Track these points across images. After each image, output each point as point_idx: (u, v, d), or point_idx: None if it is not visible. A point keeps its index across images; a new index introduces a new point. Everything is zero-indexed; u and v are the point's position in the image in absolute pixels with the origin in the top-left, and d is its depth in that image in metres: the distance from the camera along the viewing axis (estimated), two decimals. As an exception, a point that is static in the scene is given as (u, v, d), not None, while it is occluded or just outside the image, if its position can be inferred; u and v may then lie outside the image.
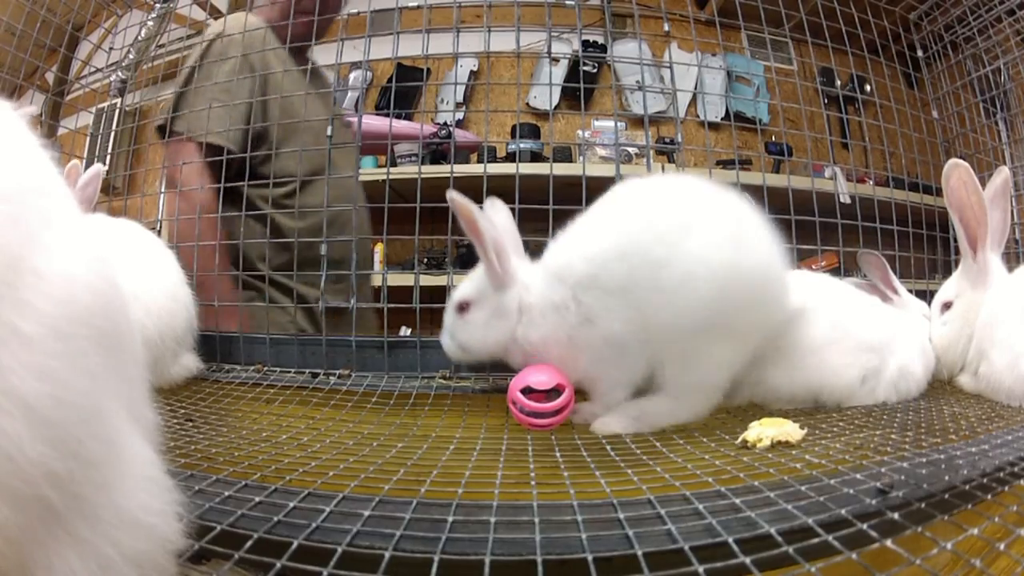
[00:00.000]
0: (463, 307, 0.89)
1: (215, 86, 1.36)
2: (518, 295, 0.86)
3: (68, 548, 0.33)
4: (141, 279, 0.99)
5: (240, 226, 1.32)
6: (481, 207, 0.90)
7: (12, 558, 0.32)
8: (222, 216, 1.35)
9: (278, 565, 0.43)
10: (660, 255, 0.78)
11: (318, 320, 1.33)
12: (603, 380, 0.84)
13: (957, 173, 1.01)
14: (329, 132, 1.28)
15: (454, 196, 0.83)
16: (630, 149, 2.44)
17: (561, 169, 0.97)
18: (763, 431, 0.71)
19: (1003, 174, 1.03)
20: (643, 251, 0.78)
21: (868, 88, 1.98)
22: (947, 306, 1.07)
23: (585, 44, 2.56)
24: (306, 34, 1.40)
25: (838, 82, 2.25)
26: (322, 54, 1.46)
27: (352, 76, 2.40)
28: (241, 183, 1.33)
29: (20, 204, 0.35)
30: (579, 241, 0.85)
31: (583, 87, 1.50)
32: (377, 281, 1.39)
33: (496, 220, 0.92)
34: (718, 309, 0.77)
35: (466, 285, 0.90)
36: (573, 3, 1.62)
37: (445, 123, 2.35)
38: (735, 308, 0.79)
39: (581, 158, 1.87)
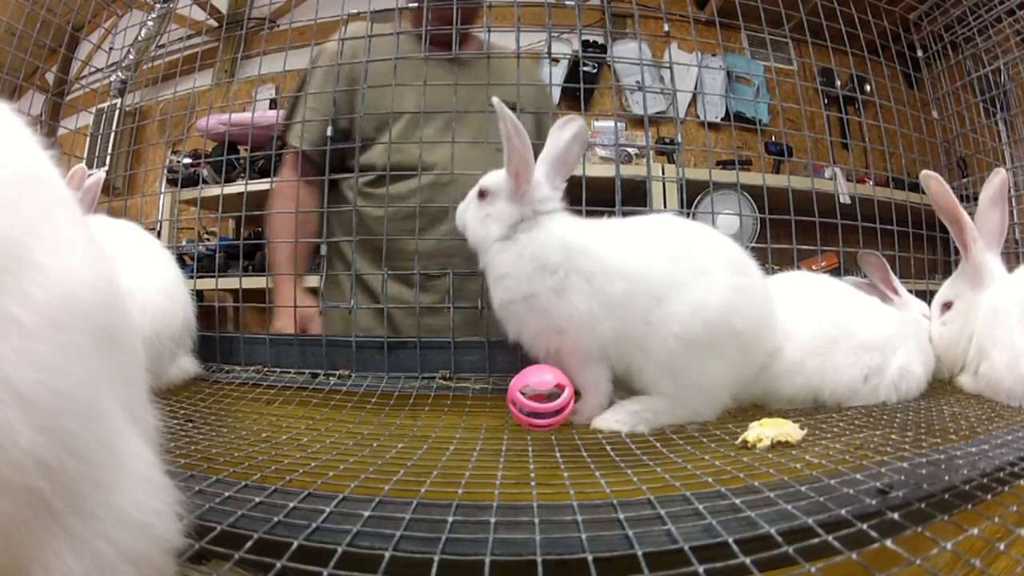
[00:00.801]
0: (482, 194, 0.91)
1: (309, 90, 1.36)
2: (521, 215, 0.87)
3: (64, 545, 0.33)
4: (136, 277, 0.99)
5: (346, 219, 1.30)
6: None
7: (7, 552, 0.32)
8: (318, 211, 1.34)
9: (278, 565, 0.42)
10: (659, 293, 0.80)
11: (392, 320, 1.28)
12: (566, 353, 0.84)
13: (932, 183, 1.04)
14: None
15: (496, 100, 0.85)
16: (630, 149, 2.44)
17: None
18: (763, 431, 0.71)
19: (1000, 176, 1.04)
20: (647, 284, 0.81)
21: (868, 88, 1.98)
22: (947, 306, 1.08)
23: (585, 44, 2.56)
24: (444, 22, 1.33)
25: (838, 82, 2.25)
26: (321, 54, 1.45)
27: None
28: (337, 176, 1.33)
29: (21, 195, 0.35)
30: (603, 242, 0.85)
31: (583, 87, 1.50)
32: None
33: (555, 135, 0.92)
34: (704, 349, 0.80)
35: (494, 175, 0.92)
36: (573, 3, 1.62)
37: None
38: (722, 350, 0.81)
39: (581, 158, 1.87)
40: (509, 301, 0.85)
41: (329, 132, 1.28)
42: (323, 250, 1.24)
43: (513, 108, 1.38)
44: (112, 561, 0.35)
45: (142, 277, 1.00)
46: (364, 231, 1.28)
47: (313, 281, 1.37)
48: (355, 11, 1.45)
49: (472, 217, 0.92)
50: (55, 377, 0.33)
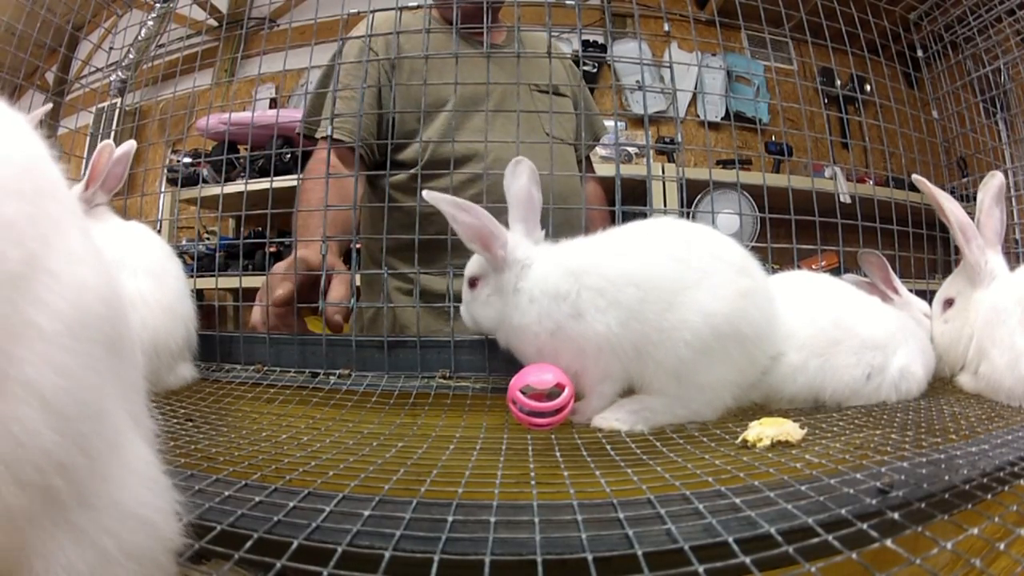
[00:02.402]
0: (472, 283, 0.92)
1: (339, 80, 1.34)
2: (516, 276, 0.87)
3: (68, 538, 0.34)
4: (142, 289, 0.98)
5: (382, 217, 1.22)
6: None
7: (14, 545, 0.33)
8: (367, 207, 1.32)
9: (278, 565, 0.43)
10: (669, 297, 0.80)
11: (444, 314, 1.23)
12: (588, 375, 0.83)
13: (923, 187, 1.07)
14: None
15: (427, 195, 0.86)
16: (630, 149, 2.44)
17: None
18: (763, 431, 0.71)
19: (997, 178, 1.05)
20: (657, 289, 0.80)
21: (868, 88, 1.98)
22: (948, 303, 1.08)
23: (585, 44, 2.56)
24: (473, 15, 1.32)
25: (838, 82, 2.25)
26: (321, 53, 1.45)
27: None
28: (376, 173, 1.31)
29: (37, 206, 0.37)
30: (605, 256, 0.85)
31: (583, 87, 1.50)
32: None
33: (513, 186, 0.91)
34: (711, 353, 0.80)
35: (474, 260, 0.93)
36: (573, 3, 1.61)
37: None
38: (727, 354, 0.81)
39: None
40: (542, 345, 0.84)
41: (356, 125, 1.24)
42: (323, 249, 1.23)
43: (555, 92, 1.38)
44: (114, 556, 0.36)
45: (147, 289, 0.99)
46: (411, 229, 1.21)
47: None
48: (355, 11, 1.46)
49: (477, 308, 0.92)
50: (75, 383, 0.35)
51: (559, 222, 1.03)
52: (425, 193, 0.87)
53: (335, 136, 1.30)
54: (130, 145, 1.14)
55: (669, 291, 0.80)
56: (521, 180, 0.92)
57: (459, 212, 0.86)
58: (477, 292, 0.91)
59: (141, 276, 0.99)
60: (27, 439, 0.32)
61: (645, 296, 0.80)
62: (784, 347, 0.89)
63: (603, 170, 1.93)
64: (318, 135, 1.35)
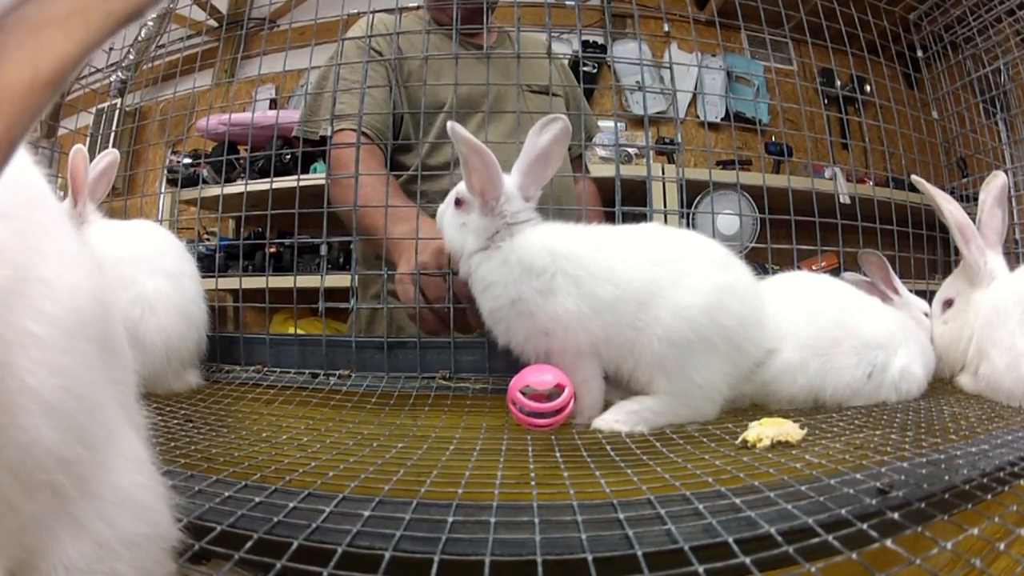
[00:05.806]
0: (458, 203, 0.92)
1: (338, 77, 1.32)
2: (496, 227, 0.88)
3: (68, 533, 0.35)
4: (158, 291, 0.98)
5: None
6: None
7: (26, 548, 0.34)
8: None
9: (278, 565, 0.43)
10: (644, 299, 0.81)
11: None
12: (558, 354, 0.83)
13: (922, 188, 1.09)
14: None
15: (451, 124, 0.85)
16: (630, 149, 2.44)
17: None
18: (763, 431, 0.71)
19: (999, 178, 1.05)
20: (634, 289, 0.81)
21: (868, 88, 1.98)
22: (948, 304, 1.08)
23: (585, 44, 2.56)
24: (466, 17, 1.31)
25: (838, 82, 2.25)
26: (321, 54, 1.45)
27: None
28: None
29: (23, 219, 0.37)
30: (588, 248, 0.86)
31: (583, 87, 1.50)
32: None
33: (535, 140, 0.91)
34: (694, 347, 0.80)
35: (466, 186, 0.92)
36: (573, 3, 1.62)
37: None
38: (713, 347, 0.81)
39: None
40: (498, 308, 0.86)
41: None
42: (323, 250, 1.23)
43: (546, 92, 1.39)
44: (112, 546, 0.36)
45: (164, 292, 0.99)
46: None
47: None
48: (355, 11, 1.46)
49: (449, 223, 0.93)
50: (72, 381, 0.36)
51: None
52: (449, 124, 0.85)
53: (360, 130, 1.28)
54: (113, 155, 1.11)
55: (645, 292, 0.81)
56: (545, 137, 0.90)
57: (473, 154, 0.85)
58: (459, 213, 0.92)
59: (159, 278, 0.99)
60: (32, 444, 0.33)
61: (621, 295, 0.81)
62: (779, 343, 0.89)
63: (603, 171, 1.93)
64: (322, 130, 1.34)
